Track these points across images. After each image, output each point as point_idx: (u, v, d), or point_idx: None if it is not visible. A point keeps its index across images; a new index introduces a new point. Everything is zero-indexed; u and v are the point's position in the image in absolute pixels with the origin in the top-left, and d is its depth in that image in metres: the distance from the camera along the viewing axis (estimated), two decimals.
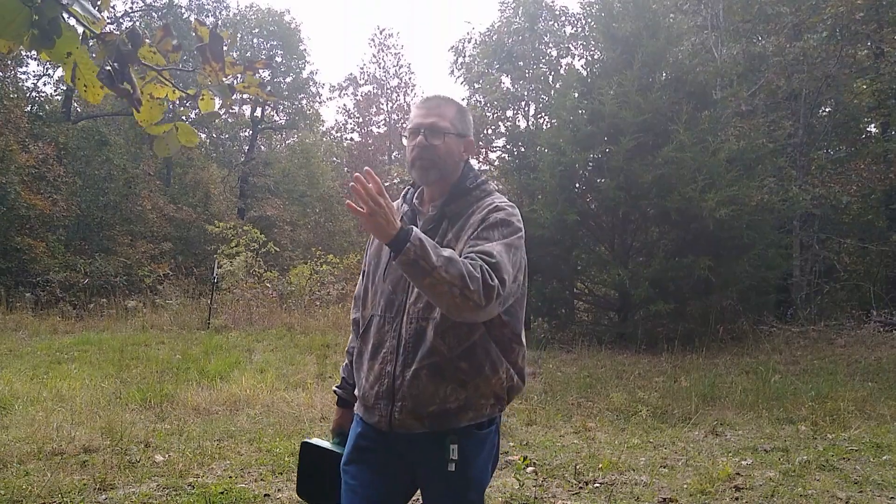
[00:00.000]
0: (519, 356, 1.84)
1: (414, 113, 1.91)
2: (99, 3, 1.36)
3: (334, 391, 2.17)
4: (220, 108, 1.52)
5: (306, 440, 2.07)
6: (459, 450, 1.75)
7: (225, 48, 1.41)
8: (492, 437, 1.85)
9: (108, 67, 1.32)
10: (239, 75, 1.46)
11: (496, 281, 1.60)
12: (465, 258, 1.62)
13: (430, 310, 1.75)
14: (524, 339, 1.87)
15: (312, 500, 2.05)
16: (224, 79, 1.40)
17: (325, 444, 2.06)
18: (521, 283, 1.78)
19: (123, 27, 23.62)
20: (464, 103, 2.02)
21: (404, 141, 2.02)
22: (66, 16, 1.25)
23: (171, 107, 1.45)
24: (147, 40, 1.35)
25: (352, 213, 1.57)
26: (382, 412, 1.79)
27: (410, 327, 1.77)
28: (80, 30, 1.28)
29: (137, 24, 23.61)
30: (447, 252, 1.58)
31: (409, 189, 1.99)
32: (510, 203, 1.86)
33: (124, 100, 1.37)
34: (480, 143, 14.88)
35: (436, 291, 1.57)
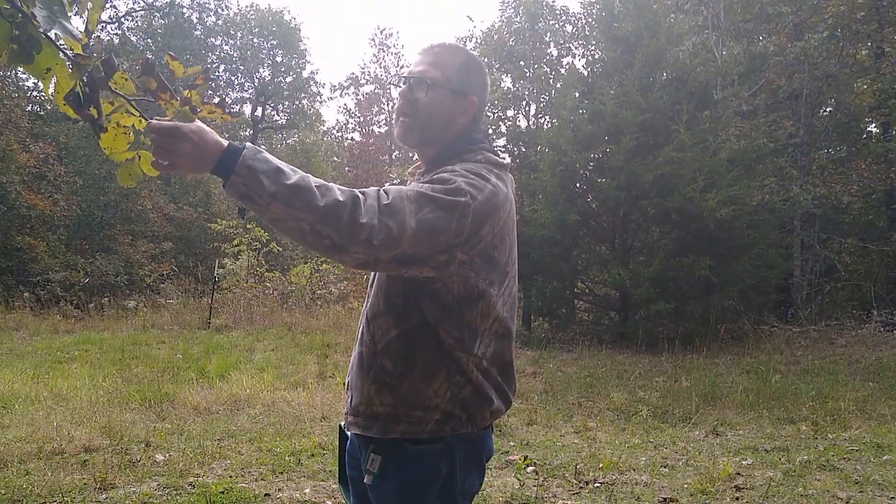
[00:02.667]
0: (467, 366, 1.44)
1: (413, 59, 1.60)
2: (86, 18, 1.36)
3: None
4: None
5: (342, 423, 1.78)
6: (384, 463, 1.45)
7: (190, 85, 1.41)
8: (434, 457, 1.45)
9: (79, 91, 1.32)
10: (202, 104, 1.44)
11: (373, 221, 1.23)
12: (359, 190, 1.29)
13: (373, 291, 1.52)
14: (474, 346, 1.44)
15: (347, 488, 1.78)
16: (187, 108, 1.39)
17: None
18: (440, 250, 1.32)
19: (125, 27, 23.61)
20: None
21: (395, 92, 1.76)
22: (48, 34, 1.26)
23: (135, 135, 1.44)
24: (124, 65, 1.36)
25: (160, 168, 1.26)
26: (345, 406, 1.58)
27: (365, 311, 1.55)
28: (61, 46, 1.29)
29: (137, 17, 23.54)
30: (296, 177, 1.23)
31: None
32: (478, 171, 1.43)
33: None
34: None
35: (283, 227, 1.24)
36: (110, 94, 1.36)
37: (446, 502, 1.47)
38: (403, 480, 1.46)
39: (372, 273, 1.57)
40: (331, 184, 1.27)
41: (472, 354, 1.45)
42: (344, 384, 1.66)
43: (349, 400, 1.55)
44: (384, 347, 1.45)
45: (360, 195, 1.26)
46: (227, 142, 1.26)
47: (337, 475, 1.82)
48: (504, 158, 1.57)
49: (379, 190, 1.30)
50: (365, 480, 1.48)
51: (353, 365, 1.55)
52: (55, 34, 1.24)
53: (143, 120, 1.40)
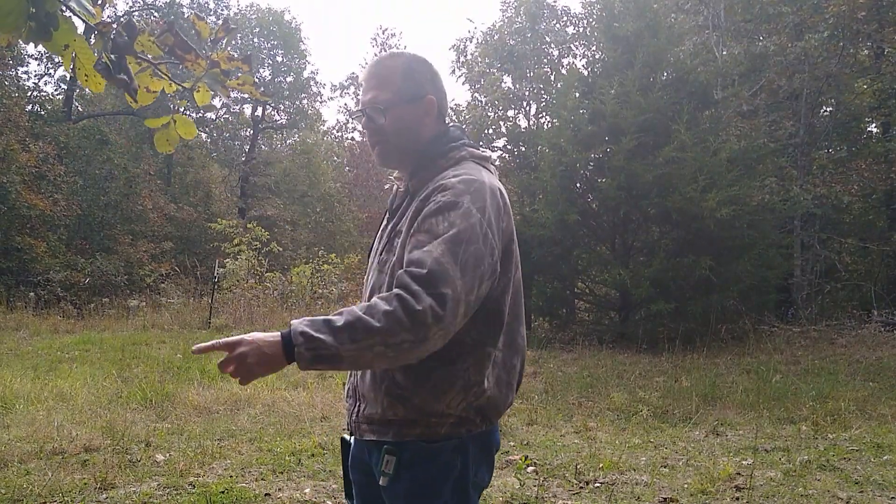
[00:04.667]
0: (487, 366, 1.48)
1: (361, 85, 1.61)
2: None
3: None
4: (216, 100, 1.48)
5: (345, 435, 1.74)
6: (399, 463, 1.47)
7: (213, 40, 1.40)
8: (448, 454, 1.48)
9: (105, 60, 1.31)
10: (237, 70, 1.44)
11: (427, 300, 1.27)
12: (388, 288, 1.36)
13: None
14: (499, 339, 1.49)
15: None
16: (217, 70, 1.39)
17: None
18: (487, 276, 1.38)
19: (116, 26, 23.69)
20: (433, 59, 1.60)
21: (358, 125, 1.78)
22: (63, 9, 1.25)
23: (169, 104, 1.44)
24: (147, 32, 1.35)
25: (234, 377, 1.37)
26: (348, 413, 1.60)
27: None
28: (78, 23, 1.28)
29: (135, 17, 23.65)
30: (343, 318, 1.29)
31: None
32: (471, 175, 1.46)
33: (124, 97, 1.37)
34: (481, 143, 14.82)
35: (365, 362, 1.31)
36: (138, 59, 1.35)
37: (460, 497, 1.49)
38: (419, 478, 1.47)
39: (367, 273, 1.62)
40: (372, 300, 1.32)
41: (496, 348, 1.49)
42: (344, 388, 1.66)
43: (359, 408, 1.55)
44: None
45: (400, 290, 1.30)
46: (278, 332, 1.34)
47: (343, 489, 1.79)
48: (485, 152, 1.62)
49: (409, 268, 1.33)
50: (380, 482, 1.49)
51: (361, 373, 1.55)
52: (72, 6, 1.23)
53: (172, 84, 1.40)
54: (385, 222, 1.66)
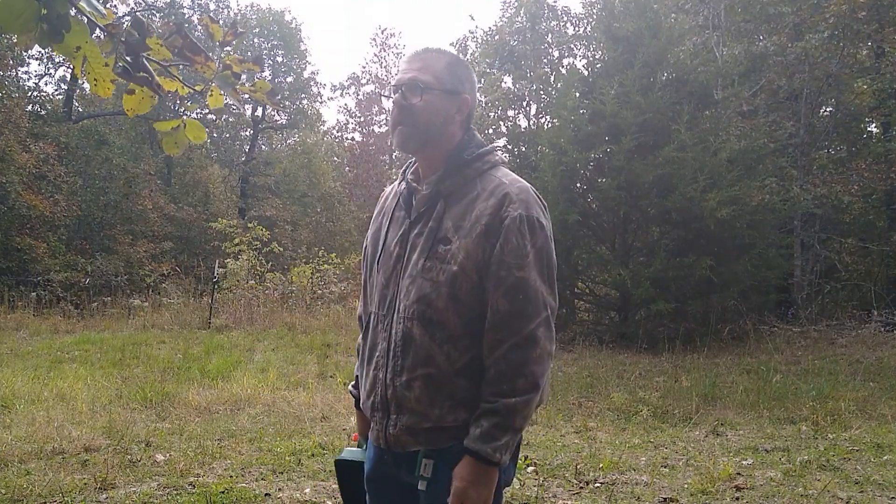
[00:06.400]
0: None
1: (399, 68, 1.62)
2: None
3: (350, 392, 1.85)
4: (228, 101, 1.46)
5: (338, 458, 1.80)
6: (436, 466, 1.51)
7: (221, 43, 1.39)
8: None
9: (122, 63, 1.30)
10: (244, 74, 1.44)
11: (541, 326, 1.46)
12: (499, 349, 1.45)
13: (424, 308, 1.49)
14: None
15: None
16: (229, 72, 1.38)
17: (358, 454, 1.78)
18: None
19: (124, 28, 23.65)
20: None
21: (387, 103, 1.84)
22: (73, 10, 1.24)
23: (176, 105, 1.43)
24: (155, 35, 1.34)
25: None
26: (378, 426, 1.58)
27: (399, 328, 1.52)
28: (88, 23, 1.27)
29: (142, 16, 23.53)
30: (519, 419, 1.45)
31: (409, 164, 1.68)
32: (519, 180, 1.55)
33: (123, 96, 1.35)
34: None
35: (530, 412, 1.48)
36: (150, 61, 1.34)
37: (495, 494, 1.53)
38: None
39: (386, 273, 1.60)
40: (507, 372, 1.45)
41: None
42: (367, 399, 1.62)
43: (396, 420, 1.54)
44: (462, 367, 1.50)
45: (539, 384, 1.47)
46: (483, 457, 1.44)
47: None
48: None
49: (513, 303, 1.45)
50: (419, 486, 1.51)
51: (400, 385, 1.53)
52: (82, 6, 1.22)
53: (185, 87, 1.38)
54: (398, 223, 1.62)
